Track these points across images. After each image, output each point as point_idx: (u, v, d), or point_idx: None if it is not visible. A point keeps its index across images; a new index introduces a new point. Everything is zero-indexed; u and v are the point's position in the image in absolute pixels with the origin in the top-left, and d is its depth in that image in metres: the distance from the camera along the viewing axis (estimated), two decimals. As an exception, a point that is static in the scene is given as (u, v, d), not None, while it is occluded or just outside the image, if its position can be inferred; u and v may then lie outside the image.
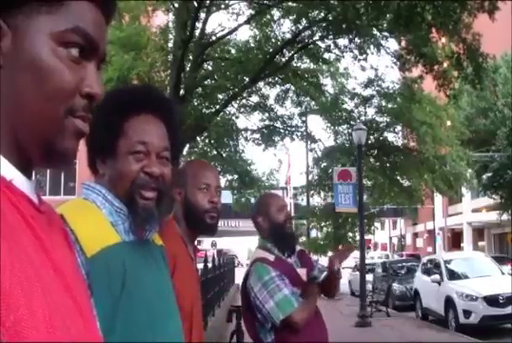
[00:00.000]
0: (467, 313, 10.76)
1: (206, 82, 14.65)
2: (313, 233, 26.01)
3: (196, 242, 2.13)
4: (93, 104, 0.69)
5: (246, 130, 17.45)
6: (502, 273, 12.26)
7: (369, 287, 16.04)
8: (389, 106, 19.88)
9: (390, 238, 58.24)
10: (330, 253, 25.19)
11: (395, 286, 15.91)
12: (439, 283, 12.05)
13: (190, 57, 13.52)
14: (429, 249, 39.89)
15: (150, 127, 1.29)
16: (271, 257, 2.65)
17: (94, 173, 1.32)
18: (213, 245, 38.19)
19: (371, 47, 13.24)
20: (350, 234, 22.31)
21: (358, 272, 13.90)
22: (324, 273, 2.84)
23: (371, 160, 20.12)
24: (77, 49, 0.66)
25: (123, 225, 1.22)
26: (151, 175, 1.25)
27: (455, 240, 41.17)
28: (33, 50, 0.64)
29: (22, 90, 0.63)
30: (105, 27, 0.72)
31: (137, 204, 1.24)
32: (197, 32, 13.30)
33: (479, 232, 38.68)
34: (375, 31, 12.75)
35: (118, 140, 1.26)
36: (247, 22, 14.50)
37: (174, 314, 1.26)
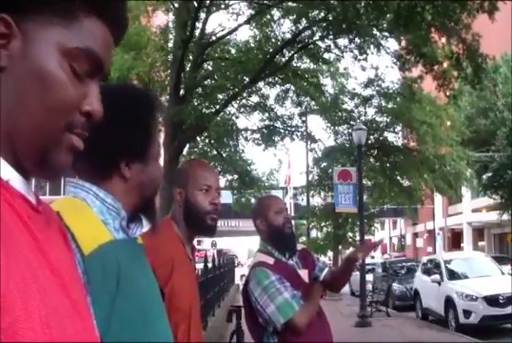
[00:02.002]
0: (467, 313, 10.76)
1: (206, 82, 14.65)
2: (313, 233, 26.01)
3: (196, 242, 2.13)
4: (91, 122, 0.69)
5: (246, 130, 17.45)
6: (502, 273, 12.26)
7: (369, 287, 16.04)
8: (389, 106, 19.89)
9: (390, 238, 58.20)
10: (330, 253, 25.24)
11: (395, 286, 15.92)
12: (439, 283, 12.05)
13: (190, 57, 13.53)
14: (429, 249, 39.87)
15: (159, 131, 1.34)
16: (271, 261, 2.64)
17: (102, 175, 1.25)
18: (213, 245, 38.15)
19: (371, 47, 13.23)
20: (350, 234, 22.32)
21: (358, 272, 13.92)
22: (326, 271, 2.83)
23: (371, 160, 20.12)
24: (83, 67, 0.67)
25: (113, 223, 1.22)
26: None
27: (455, 240, 41.16)
28: (41, 58, 0.64)
29: (24, 96, 0.63)
30: (112, 48, 0.73)
31: (154, 204, 1.31)
32: (197, 32, 13.31)
33: (479, 232, 38.65)
34: (375, 31, 12.75)
35: (151, 145, 1.28)
36: (247, 22, 14.51)
37: (164, 313, 1.27)
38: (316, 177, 22.55)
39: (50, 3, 0.65)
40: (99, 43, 0.69)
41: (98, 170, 1.25)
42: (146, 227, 1.36)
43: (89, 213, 1.19)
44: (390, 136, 21.03)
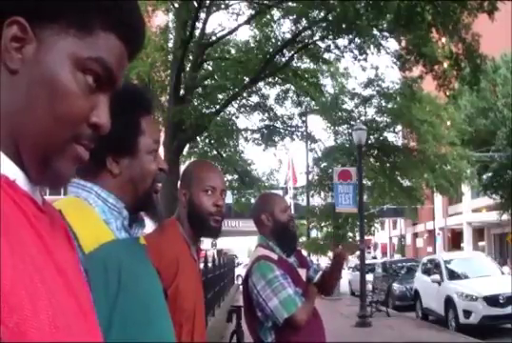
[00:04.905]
0: (467, 313, 10.76)
1: (206, 82, 14.66)
2: (313, 233, 26.00)
3: (196, 242, 2.12)
4: (98, 134, 0.69)
5: (246, 130, 17.47)
6: (502, 273, 12.27)
7: (369, 287, 16.05)
8: (389, 106, 19.87)
9: (390, 238, 58.23)
10: (330, 253, 25.20)
11: (395, 286, 15.92)
12: (439, 283, 12.05)
13: (190, 57, 13.53)
14: (429, 249, 39.88)
15: (157, 126, 1.35)
16: (275, 256, 2.63)
17: (94, 172, 1.26)
18: (213, 245, 38.15)
19: (371, 47, 13.23)
20: (350, 234, 22.29)
21: (358, 272, 13.91)
22: (319, 273, 2.86)
23: (371, 160, 20.10)
24: (94, 77, 0.67)
25: (115, 223, 1.22)
26: (163, 171, 1.33)
27: (455, 240, 41.18)
28: (54, 67, 0.64)
29: (33, 101, 0.63)
30: (126, 64, 0.73)
31: (153, 199, 1.30)
32: (197, 32, 13.31)
33: (479, 232, 38.67)
34: (375, 31, 12.74)
35: (138, 139, 1.28)
36: (247, 22, 14.51)
37: (167, 313, 1.27)
38: (316, 177, 22.54)
39: (68, 13, 0.65)
40: (112, 57, 0.69)
41: (87, 166, 1.26)
42: (149, 227, 1.36)
43: (91, 213, 1.20)
44: (390, 136, 21.01)
